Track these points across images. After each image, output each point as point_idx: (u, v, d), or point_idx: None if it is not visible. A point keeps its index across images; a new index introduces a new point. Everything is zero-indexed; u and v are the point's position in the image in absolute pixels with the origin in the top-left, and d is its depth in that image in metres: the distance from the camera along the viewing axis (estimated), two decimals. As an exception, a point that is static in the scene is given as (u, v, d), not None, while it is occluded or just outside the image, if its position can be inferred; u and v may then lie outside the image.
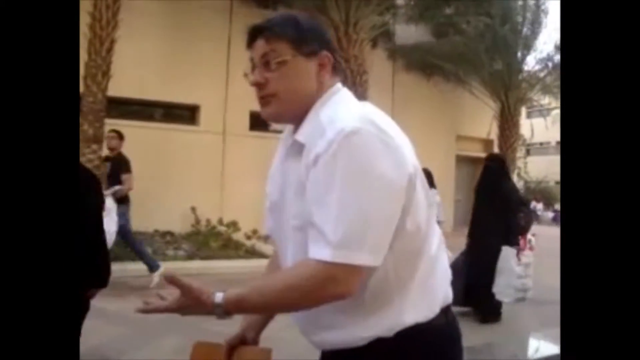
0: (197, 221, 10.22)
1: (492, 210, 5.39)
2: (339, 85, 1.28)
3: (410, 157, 1.16)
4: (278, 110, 1.25)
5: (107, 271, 2.53)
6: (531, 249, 5.82)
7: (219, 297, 1.15)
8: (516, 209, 5.46)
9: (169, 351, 4.15)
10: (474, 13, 11.91)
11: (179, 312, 1.18)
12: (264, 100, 1.26)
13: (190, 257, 8.11)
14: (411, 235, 1.17)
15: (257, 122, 12.30)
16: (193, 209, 10.42)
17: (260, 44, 1.23)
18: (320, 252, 1.07)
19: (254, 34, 1.25)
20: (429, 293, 1.23)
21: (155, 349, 4.27)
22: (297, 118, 1.24)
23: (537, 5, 13.84)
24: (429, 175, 5.64)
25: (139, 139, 10.24)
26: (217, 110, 11.56)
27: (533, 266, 5.86)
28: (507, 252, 5.31)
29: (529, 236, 5.79)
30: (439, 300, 1.25)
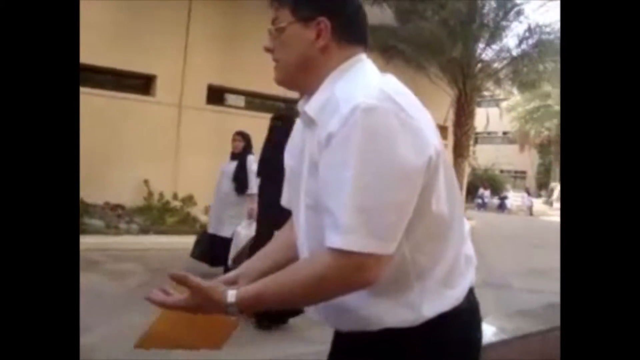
0: (150, 194, 9.96)
1: (275, 180, 4.61)
2: (360, 56, 1.20)
3: (431, 138, 1.09)
4: (281, 77, 1.23)
5: None
6: None
7: (231, 295, 1.09)
8: None
9: (129, 326, 4.04)
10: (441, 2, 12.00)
11: (190, 311, 1.12)
12: (275, 66, 1.24)
13: (144, 231, 7.90)
14: (434, 219, 1.12)
15: (215, 96, 12.07)
16: (146, 182, 10.13)
17: (272, 11, 1.23)
18: (337, 241, 1.02)
19: (270, 1, 1.24)
20: (454, 282, 1.19)
21: (115, 324, 4.15)
22: (306, 86, 1.19)
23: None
24: None
25: (89, 107, 9.85)
26: (174, 82, 11.22)
27: (484, 252, 6.03)
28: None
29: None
30: (464, 288, 1.22)
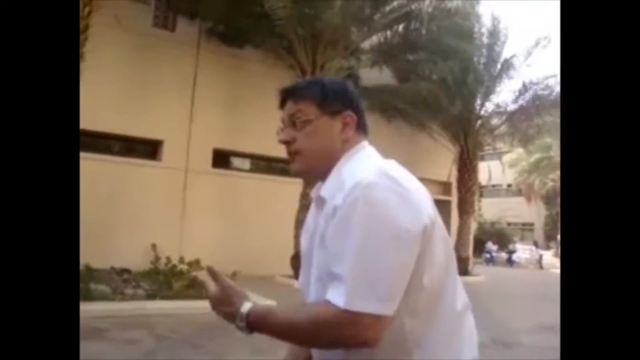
0: (157, 259, 9.93)
1: None
2: (364, 143, 1.33)
3: (426, 209, 1.18)
4: (302, 167, 1.31)
5: None
6: None
7: (246, 307, 1.19)
8: None
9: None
10: (436, 60, 12.33)
11: (212, 304, 1.25)
12: (290, 156, 1.31)
13: (150, 296, 7.82)
14: (427, 289, 1.17)
15: (220, 159, 12.25)
16: (153, 246, 10.12)
17: (289, 105, 1.31)
18: (335, 297, 1.09)
19: (285, 96, 1.33)
20: (454, 352, 1.22)
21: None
22: (323, 174, 1.29)
23: (496, 56, 14.53)
24: None
25: (96, 172, 10.00)
26: (180, 146, 11.42)
27: (492, 308, 5.91)
28: None
29: None
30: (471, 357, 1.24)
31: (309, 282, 1.27)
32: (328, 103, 1.29)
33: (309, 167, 1.30)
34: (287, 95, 1.32)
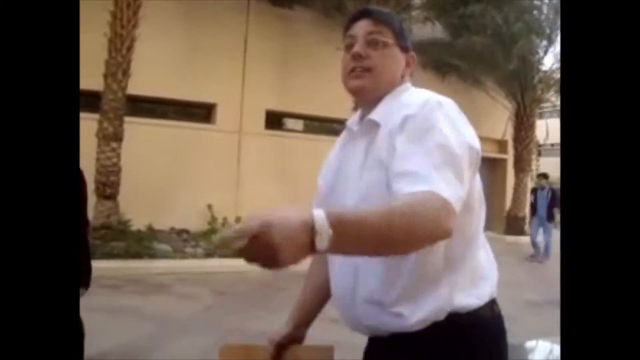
0: (214, 219, 10.26)
1: None
2: (409, 84, 1.39)
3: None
4: (369, 84, 1.31)
5: (88, 271, 2.45)
6: None
7: (319, 215, 0.86)
8: None
9: (197, 348, 4.17)
10: (490, 13, 11.84)
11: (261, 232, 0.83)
12: (357, 72, 1.32)
13: (208, 255, 8.14)
14: (468, 214, 1.21)
15: (273, 121, 12.35)
16: (209, 207, 10.45)
17: (366, 23, 1.33)
18: (438, 187, 1.03)
19: (360, 15, 1.35)
20: (478, 280, 1.27)
21: (183, 346, 4.29)
22: (376, 99, 1.32)
23: (555, 5, 13.75)
24: None
25: (154, 137, 10.31)
26: (233, 109, 11.58)
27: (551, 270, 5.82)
28: None
29: None
30: (487, 290, 1.28)
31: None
32: (402, 38, 1.35)
33: (376, 86, 1.31)
34: (368, 14, 1.34)
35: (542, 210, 10.55)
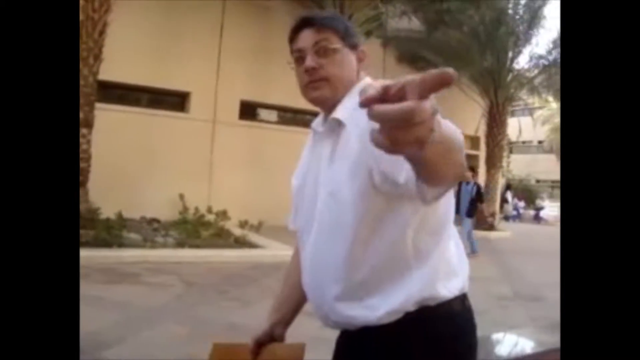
0: (185, 209, 10.16)
1: None
2: (367, 78, 1.36)
3: None
4: (329, 93, 1.30)
5: None
6: None
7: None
8: None
9: (166, 338, 4.14)
10: (467, 10, 11.96)
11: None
12: (314, 84, 1.30)
13: (179, 244, 8.06)
14: (437, 203, 1.16)
15: (247, 111, 12.28)
16: (181, 196, 10.35)
17: (309, 34, 1.29)
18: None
19: (302, 25, 1.31)
20: (448, 272, 1.27)
21: (153, 335, 4.25)
22: (335, 103, 1.30)
23: (532, 6, 13.96)
24: None
25: (126, 124, 10.15)
26: (207, 98, 11.47)
27: (516, 264, 5.92)
28: None
29: None
30: (458, 283, 1.28)
31: (309, 214, 1.31)
32: (348, 36, 1.31)
33: (335, 94, 1.29)
34: (310, 23, 1.30)
35: (465, 205, 9.92)
